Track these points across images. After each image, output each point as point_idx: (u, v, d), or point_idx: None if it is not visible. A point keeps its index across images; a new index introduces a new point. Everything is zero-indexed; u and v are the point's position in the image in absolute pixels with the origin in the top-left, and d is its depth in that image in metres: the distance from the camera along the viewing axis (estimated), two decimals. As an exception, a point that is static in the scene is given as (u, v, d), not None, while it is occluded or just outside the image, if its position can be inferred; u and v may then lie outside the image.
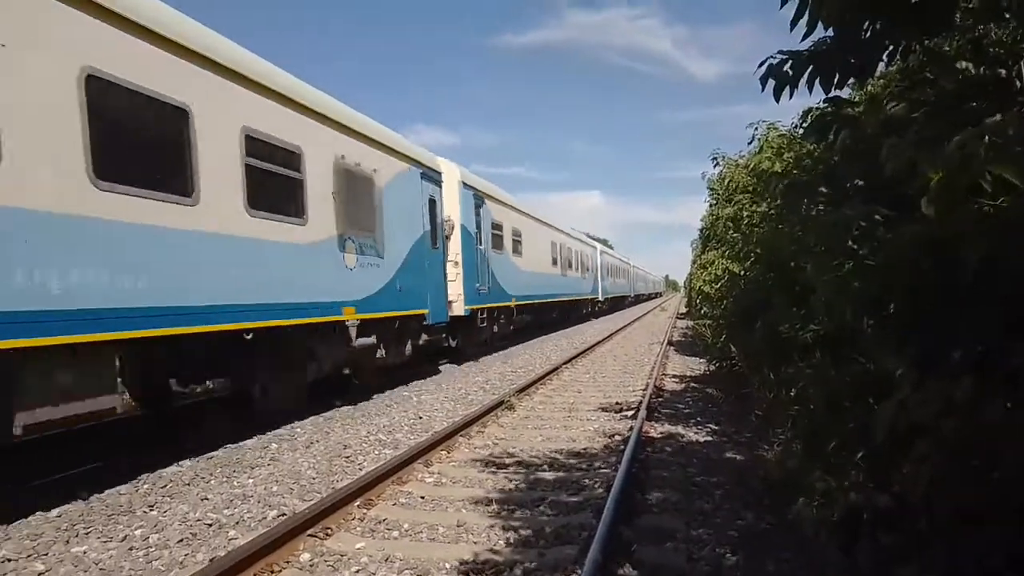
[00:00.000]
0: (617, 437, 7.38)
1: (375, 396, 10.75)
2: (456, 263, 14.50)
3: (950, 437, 1.90)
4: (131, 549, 4.48)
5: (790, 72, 3.06)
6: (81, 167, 5.39)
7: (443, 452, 6.87)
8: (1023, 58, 3.22)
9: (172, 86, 6.36)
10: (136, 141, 6.14)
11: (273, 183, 7.95)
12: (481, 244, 16.28)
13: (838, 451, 3.59)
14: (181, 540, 4.61)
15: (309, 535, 4.50)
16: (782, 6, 3.00)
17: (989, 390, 1.84)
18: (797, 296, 5.10)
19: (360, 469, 6.32)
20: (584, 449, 6.92)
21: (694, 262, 29.18)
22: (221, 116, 7.08)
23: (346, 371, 10.83)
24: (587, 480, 5.76)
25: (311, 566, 4.15)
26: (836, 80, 3.13)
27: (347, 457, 6.82)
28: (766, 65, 3.11)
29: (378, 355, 10.67)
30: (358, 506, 5.13)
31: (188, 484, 5.99)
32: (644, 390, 10.33)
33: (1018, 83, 3.22)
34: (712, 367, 11.77)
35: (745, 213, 8.81)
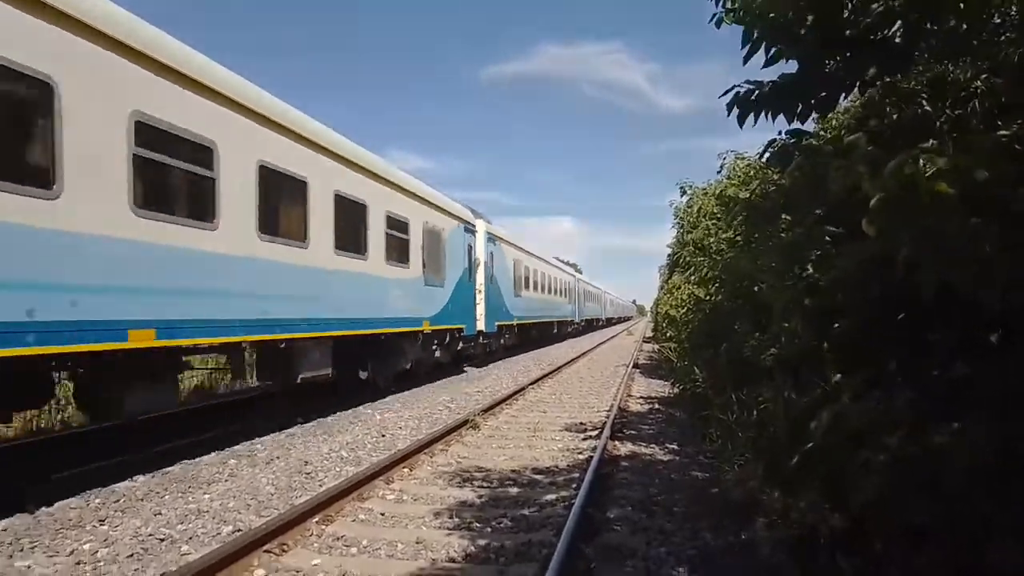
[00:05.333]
0: (581, 456, 7.40)
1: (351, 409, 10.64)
2: (480, 291, 18.06)
3: (894, 451, 1.96)
4: (78, 563, 4.35)
5: (755, 101, 3.15)
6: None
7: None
8: (977, 96, 3.36)
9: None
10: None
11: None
12: (495, 276, 19.66)
13: (796, 471, 3.65)
14: (131, 555, 4.49)
15: (264, 551, 4.43)
16: (743, 46, 3.10)
17: (930, 406, 1.90)
18: (759, 320, 5.21)
19: (320, 486, 6.23)
20: (549, 467, 6.94)
21: (661, 287, 29.51)
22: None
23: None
24: (550, 496, 5.77)
25: (265, 582, 4.07)
26: (799, 111, 3.24)
27: (307, 474, 6.73)
28: (733, 92, 3.20)
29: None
30: (316, 522, 5.06)
31: (142, 499, 5.83)
32: (608, 411, 10.39)
33: (974, 120, 3.36)
34: (676, 389, 11.88)
35: (711, 240, 8.96)
